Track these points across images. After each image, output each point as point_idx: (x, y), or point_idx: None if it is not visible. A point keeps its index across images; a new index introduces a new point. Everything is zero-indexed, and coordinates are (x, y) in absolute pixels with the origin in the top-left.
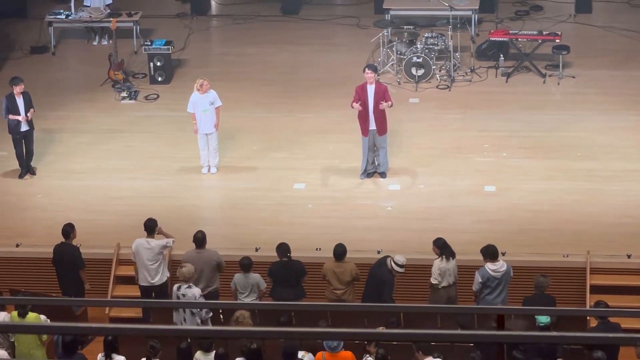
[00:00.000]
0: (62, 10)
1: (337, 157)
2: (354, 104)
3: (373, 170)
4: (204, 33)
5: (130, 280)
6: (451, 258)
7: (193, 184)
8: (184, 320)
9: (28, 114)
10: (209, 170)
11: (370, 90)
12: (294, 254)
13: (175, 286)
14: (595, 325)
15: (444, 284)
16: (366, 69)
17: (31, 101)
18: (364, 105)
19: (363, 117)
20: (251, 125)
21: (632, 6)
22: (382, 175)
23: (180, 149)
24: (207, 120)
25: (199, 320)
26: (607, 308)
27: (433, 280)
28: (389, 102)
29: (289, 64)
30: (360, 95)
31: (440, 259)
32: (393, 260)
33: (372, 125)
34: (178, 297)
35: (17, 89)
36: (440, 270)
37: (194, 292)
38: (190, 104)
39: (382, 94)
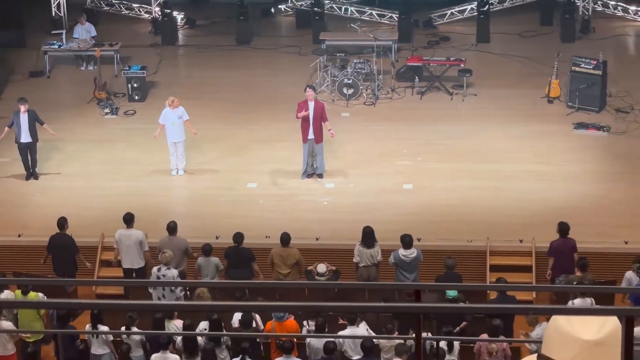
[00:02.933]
0: (55, 41)
1: (282, 162)
2: (299, 114)
3: (312, 172)
4: (172, 60)
5: (113, 264)
6: (372, 246)
7: (164, 184)
8: (163, 296)
9: (46, 127)
10: (177, 172)
11: (311, 105)
12: (248, 241)
13: (155, 268)
14: (495, 298)
15: (362, 264)
16: (307, 88)
17: (37, 117)
18: (305, 117)
19: (304, 128)
20: (212, 135)
21: (522, 37)
22: (320, 176)
23: (153, 155)
24: (175, 131)
25: (176, 297)
26: (505, 284)
27: (354, 259)
28: (328, 123)
29: (242, 84)
30: (302, 109)
31: (360, 243)
32: (316, 269)
33: (311, 135)
34: (158, 277)
35: (22, 108)
36: (359, 252)
37: (173, 273)
38: (161, 116)
39: (320, 110)
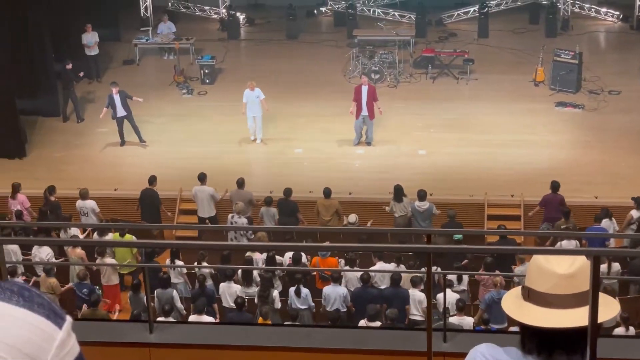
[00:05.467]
0: (143, 36)
1: (323, 132)
2: (352, 108)
3: (359, 141)
4: (236, 51)
5: (188, 212)
6: (401, 200)
7: (230, 148)
8: (235, 238)
9: (134, 98)
10: (256, 140)
11: (364, 89)
12: (295, 195)
13: (230, 215)
14: (497, 241)
15: (397, 214)
16: (362, 75)
17: (127, 94)
18: (359, 99)
19: (357, 107)
20: (271, 112)
21: (514, 33)
22: (369, 144)
23: (221, 126)
24: (253, 107)
25: (245, 240)
26: (505, 230)
27: (387, 209)
28: (378, 103)
29: (291, 71)
30: (357, 92)
31: (393, 198)
32: (348, 220)
33: (365, 112)
34: (232, 223)
35: (114, 90)
36: (393, 205)
37: (243, 221)
38: (244, 96)
39: (372, 92)
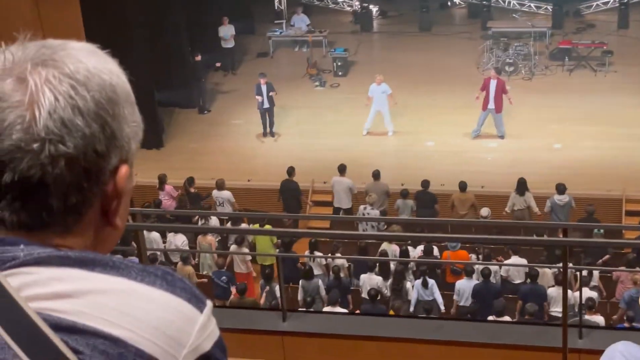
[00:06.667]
0: (277, 29)
1: (455, 125)
2: (477, 94)
3: (479, 133)
4: (369, 43)
5: (320, 204)
6: (523, 193)
7: (361, 141)
8: (366, 229)
9: (272, 93)
10: (367, 133)
11: (493, 83)
12: (430, 188)
13: (362, 207)
14: (637, 237)
15: (517, 207)
16: (492, 70)
17: (273, 87)
18: (487, 92)
19: (485, 99)
20: (399, 104)
21: None
22: (501, 137)
23: (353, 119)
24: (379, 102)
25: (376, 231)
26: None
27: (507, 208)
28: (509, 94)
29: (424, 64)
30: (485, 84)
31: (515, 191)
32: (481, 213)
33: (492, 105)
34: (363, 214)
35: (262, 81)
36: (514, 198)
37: (375, 212)
38: (369, 90)
39: (501, 86)
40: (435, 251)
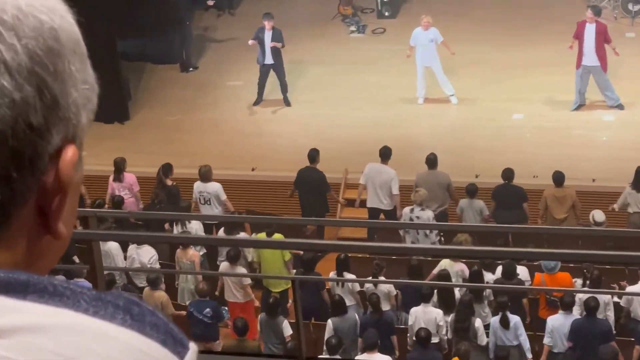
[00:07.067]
0: None
1: (553, 89)
2: (571, 43)
3: (583, 102)
4: None
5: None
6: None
7: (415, 112)
8: (417, 240)
9: (274, 44)
10: (422, 101)
11: (590, 28)
12: (515, 180)
13: (408, 208)
14: None
15: (633, 210)
16: (588, 9)
17: (281, 36)
18: (581, 41)
19: (579, 52)
20: (470, 58)
21: None
22: (619, 107)
23: (404, 79)
24: (425, 54)
25: (431, 242)
26: None
27: (616, 205)
28: (612, 43)
29: (499, 2)
30: (579, 30)
31: (631, 185)
32: (593, 218)
33: (589, 62)
34: (411, 219)
35: (267, 25)
36: (628, 195)
37: (428, 215)
38: (412, 37)
39: (602, 33)
40: (523, 273)
